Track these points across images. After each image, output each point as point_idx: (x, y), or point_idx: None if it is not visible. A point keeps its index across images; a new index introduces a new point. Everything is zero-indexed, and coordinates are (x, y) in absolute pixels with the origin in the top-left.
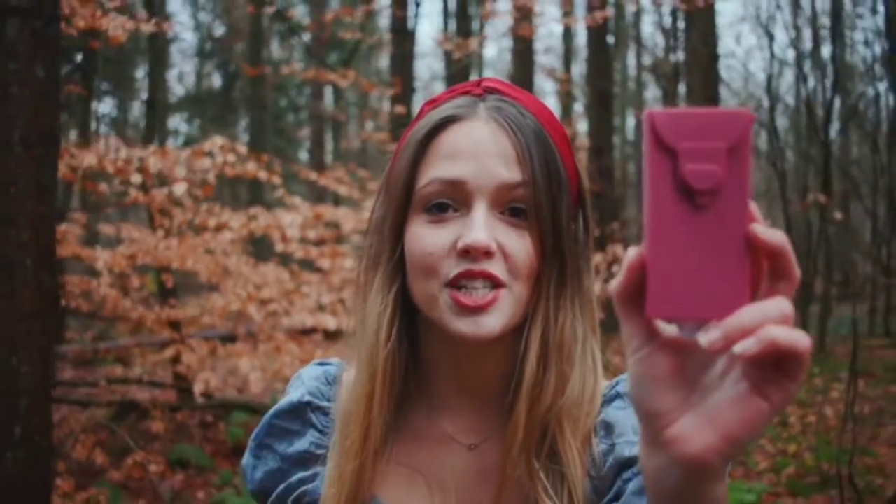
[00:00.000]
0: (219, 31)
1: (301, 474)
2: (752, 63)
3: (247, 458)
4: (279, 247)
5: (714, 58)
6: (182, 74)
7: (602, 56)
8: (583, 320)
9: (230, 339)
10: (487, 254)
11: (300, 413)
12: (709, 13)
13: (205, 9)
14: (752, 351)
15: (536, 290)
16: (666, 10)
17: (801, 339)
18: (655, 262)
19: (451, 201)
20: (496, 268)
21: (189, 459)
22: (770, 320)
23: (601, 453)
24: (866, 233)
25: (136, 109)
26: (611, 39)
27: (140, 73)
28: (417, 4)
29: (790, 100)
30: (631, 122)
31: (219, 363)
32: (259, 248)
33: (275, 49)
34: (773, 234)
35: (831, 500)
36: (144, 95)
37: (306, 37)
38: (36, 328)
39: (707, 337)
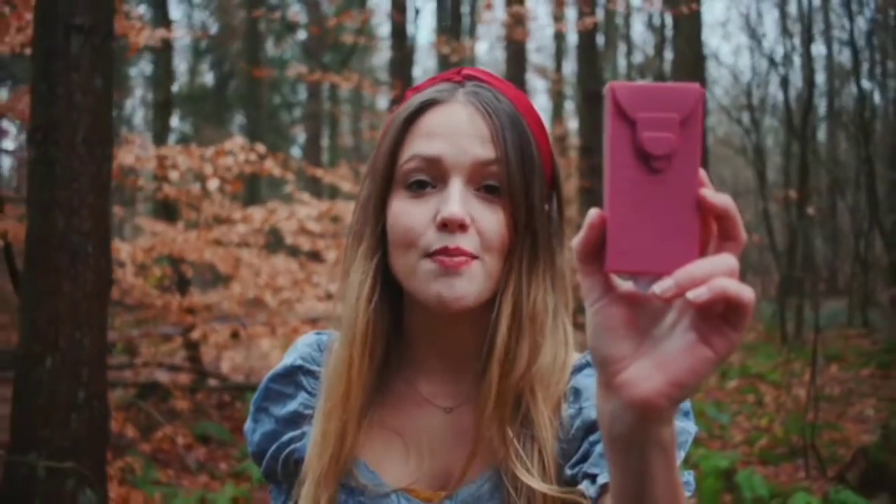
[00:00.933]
0: (212, 28)
1: (291, 433)
2: (742, 61)
3: (248, 423)
4: (289, 239)
5: (700, 59)
6: (176, 72)
7: (591, 58)
8: (554, 295)
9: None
10: (462, 227)
11: (293, 376)
12: (694, 17)
13: (199, 6)
14: (704, 298)
15: (509, 264)
16: (655, 9)
17: (746, 291)
18: (614, 221)
19: (429, 178)
20: (470, 242)
21: (211, 435)
22: (719, 273)
23: (569, 417)
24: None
25: (129, 106)
26: (602, 39)
27: (133, 71)
28: (417, 11)
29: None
30: None
31: (239, 346)
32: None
33: (269, 47)
34: (720, 198)
35: (797, 467)
36: (138, 93)
37: (302, 34)
38: (95, 307)
39: (661, 285)
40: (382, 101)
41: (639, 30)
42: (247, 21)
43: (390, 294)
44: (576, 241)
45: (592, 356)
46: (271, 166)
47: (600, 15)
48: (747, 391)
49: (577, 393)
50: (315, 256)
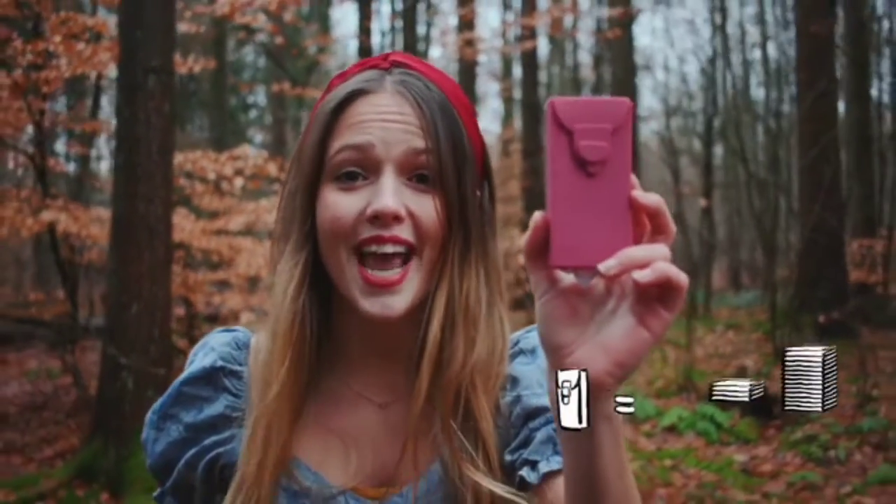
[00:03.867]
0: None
1: (214, 437)
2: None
3: (146, 433)
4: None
5: (632, 71)
6: None
7: (532, 73)
8: (488, 285)
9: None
10: (397, 218)
11: (212, 379)
12: (623, 41)
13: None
14: (648, 279)
15: (442, 256)
16: (585, 37)
17: (682, 275)
18: (556, 221)
19: (360, 169)
20: (405, 231)
21: None
22: (657, 257)
23: (507, 404)
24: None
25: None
26: (546, 48)
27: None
28: (383, 34)
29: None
30: None
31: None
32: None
33: (230, 50)
34: (650, 197)
35: (683, 399)
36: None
37: (262, 35)
38: (164, 270)
39: (605, 265)
40: None
41: (585, 42)
42: (211, 22)
43: (319, 289)
44: (523, 241)
45: (542, 343)
46: (271, 168)
47: (544, 44)
48: (654, 350)
49: (514, 381)
50: None
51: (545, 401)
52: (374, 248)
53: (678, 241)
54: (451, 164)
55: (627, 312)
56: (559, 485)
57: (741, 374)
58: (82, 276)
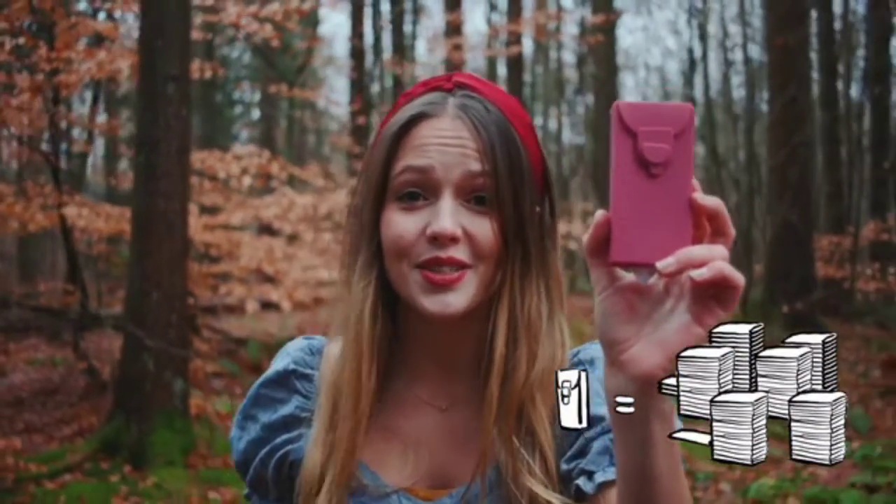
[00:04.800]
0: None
1: (285, 436)
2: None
3: (233, 432)
4: (275, 224)
5: (614, 71)
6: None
7: (517, 79)
8: (548, 298)
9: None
10: (454, 239)
11: (285, 382)
12: (604, 46)
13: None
14: (705, 277)
15: (501, 272)
16: (568, 41)
17: (738, 275)
18: (617, 219)
19: (420, 191)
20: (461, 252)
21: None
22: (715, 257)
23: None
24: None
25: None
26: (530, 48)
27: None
28: (377, 39)
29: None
30: (553, 122)
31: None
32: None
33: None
34: (710, 200)
35: None
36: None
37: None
38: (182, 261)
39: (663, 263)
40: (338, 109)
41: (569, 42)
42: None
43: (388, 300)
44: (585, 238)
45: (600, 338)
46: (275, 167)
47: (528, 44)
48: None
49: None
50: (292, 238)
51: (603, 411)
52: (433, 267)
53: None
54: (507, 185)
55: (684, 311)
56: (614, 495)
57: None
58: (84, 268)
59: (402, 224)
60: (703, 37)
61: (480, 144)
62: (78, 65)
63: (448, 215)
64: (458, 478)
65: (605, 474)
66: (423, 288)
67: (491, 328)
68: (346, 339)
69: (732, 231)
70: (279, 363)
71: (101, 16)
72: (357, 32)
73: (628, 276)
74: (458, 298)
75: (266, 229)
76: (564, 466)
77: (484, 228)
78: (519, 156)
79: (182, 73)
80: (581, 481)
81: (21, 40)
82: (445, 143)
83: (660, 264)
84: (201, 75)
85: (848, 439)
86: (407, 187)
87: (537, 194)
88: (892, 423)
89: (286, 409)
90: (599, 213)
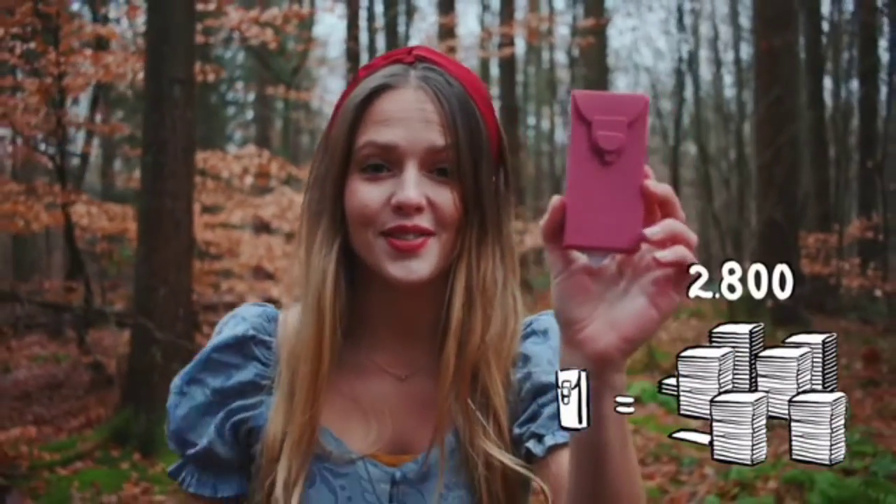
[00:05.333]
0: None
1: (241, 402)
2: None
3: (170, 400)
4: (274, 223)
5: (605, 72)
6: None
7: (509, 80)
8: (503, 265)
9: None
10: (418, 209)
11: (242, 347)
12: (598, 46)
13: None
14: (668, 258)
15: (460, 239)
16: (559, 44)
17: (697, 263)
18: (572, 204)
19: (384, 162)
20: (425, 220)
21: None
22: (690, 239)
23: (518, 380)
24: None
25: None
26: (522, 48)
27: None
28: (371, 41)
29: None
30: (545, 122)
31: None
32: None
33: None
34: (661, 187)
35: (646, 375)
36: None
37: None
38: (188, 258)
39: (651, 230)
40: (332, 109)
41: (561, 42)
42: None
43: (348, 270)
44: (541, 222)
45: (557, 318)
46: (275, 168)
47: (521, 45)
48: None
49: (525, 359)
50: (290, 236)
51: (553, 378)
52: (397, 234)
53: None
54: (468, 158)
55: (639, 293)
56: (564, 458)
57: None
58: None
59: (367, 194)
60: (695, 37)
61: (443, 117)
62: (85, 68)
63: (413, 186)
64: (419, 443)
65: (555, 438)
66: (388, 255)
67: (448, 292)
68: (305, 305)
69: (682, 216)
70: (236, 327)
71: (92, 18)
72: (352, 35)
73: (582, 259)
74: (422, 265)
75: (262, 227)
76: (517, 431)
77: (446, 198)
78: (479, 129)
79: (187, 77)
80: (531, 444)
81: (32, 44)
82: (408, 115)
83: (648, 232)
84: (204, 78)
85: None
86: (371, 160)
87: (494, 166)
88: (871, 412)
89: (243, 376)
90: (555, 199)
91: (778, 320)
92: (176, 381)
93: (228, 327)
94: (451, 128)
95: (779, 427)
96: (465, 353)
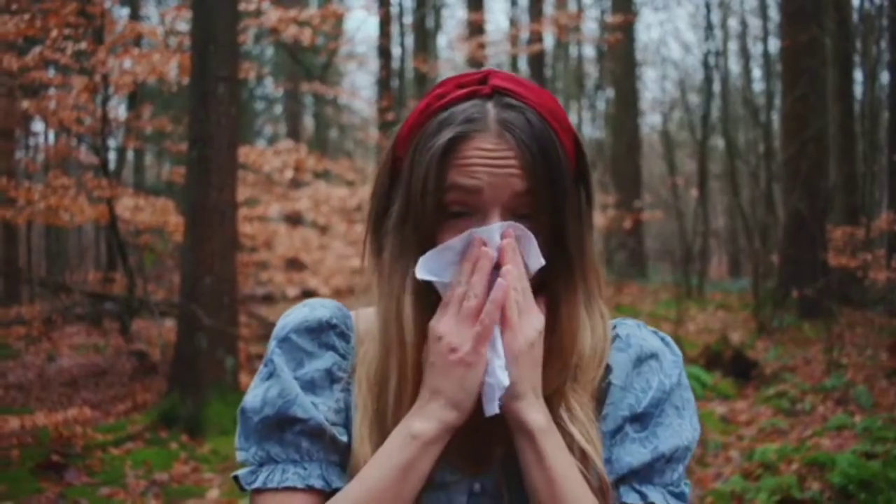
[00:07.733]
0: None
1: (313, 399)
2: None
3: (260, 374)
4: (310, 215)
5: (632, 66)
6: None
7: (538, 75)
8: (586, 287)
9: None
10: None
11: (320, 333)
12: (623, 44)
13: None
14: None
15: (543, 273)
16: (589, 41)
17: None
18: None
19: (468, 209)
20: None
21: None
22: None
23: (602, 389)
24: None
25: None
26: (551, 43)
27: None
28: (402, 44)
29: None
30: (574, 115)
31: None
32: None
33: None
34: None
35: None
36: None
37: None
38: (233, 250)
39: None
40: (360, 104)
41: (589, 36)
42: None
43: (429, 303)
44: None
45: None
46: (310, 161)
47: (549, 40)
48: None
49: (608, 368)
50: (325, 229)
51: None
52: None
53: (675, 230)
54: (548, 202)
55: None
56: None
57: (724, 342)
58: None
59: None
60: (723, 30)
61: (525, 163)
62: (132, 66)
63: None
64: (492, 456)
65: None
66: None
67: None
68: (385, 338)
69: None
70: (318, 311)
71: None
72: (384, 32)
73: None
74: None
75: (294, 220)
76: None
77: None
78: (560, 166)
79: (231, 75)
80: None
81: (83, 45)
82: (492, 163)
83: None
84: (245, 76)
85: (851, 413)
86: (455, 206)
87: (574, 196)
88: (894, 400)
89: (317, 364)
90: None
91: (804, 313)
92: (271, 355)
93: (310, 309)
94: (532, 174)
95: (801, 414)
96: (548, 377)
